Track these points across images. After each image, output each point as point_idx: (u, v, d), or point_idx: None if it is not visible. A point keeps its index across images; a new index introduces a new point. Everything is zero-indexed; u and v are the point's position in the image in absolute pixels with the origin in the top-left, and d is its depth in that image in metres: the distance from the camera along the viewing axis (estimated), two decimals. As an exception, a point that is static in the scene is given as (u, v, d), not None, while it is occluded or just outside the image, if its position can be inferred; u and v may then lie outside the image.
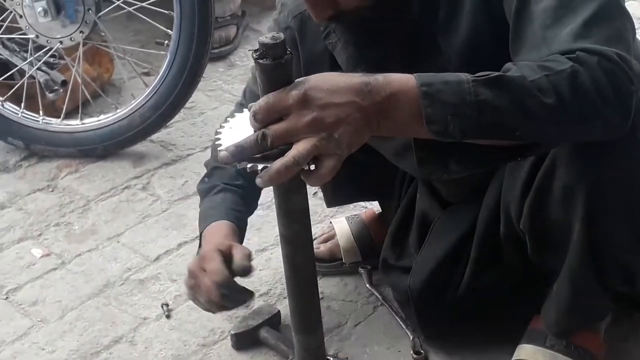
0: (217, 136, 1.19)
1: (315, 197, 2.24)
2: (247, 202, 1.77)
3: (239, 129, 1.19)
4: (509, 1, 1.31)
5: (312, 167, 1.13)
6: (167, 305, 1.95)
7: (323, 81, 1.14)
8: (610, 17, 1.23)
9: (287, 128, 1.12)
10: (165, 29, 2.38)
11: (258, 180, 1.13)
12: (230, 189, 1.74)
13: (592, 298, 1.48)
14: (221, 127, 1.21)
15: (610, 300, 1.49)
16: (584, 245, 1.39)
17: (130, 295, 1.99)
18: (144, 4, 2.37)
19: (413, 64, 1.35)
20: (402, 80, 1.16)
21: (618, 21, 1.24)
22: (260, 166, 1.13)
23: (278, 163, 1.11)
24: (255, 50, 1.13)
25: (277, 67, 1.12)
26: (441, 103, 1.14)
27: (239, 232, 1.71)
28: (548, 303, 1.54)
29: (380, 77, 1.15)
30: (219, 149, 1.16)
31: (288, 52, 1.13)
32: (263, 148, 1.13)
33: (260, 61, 1.12)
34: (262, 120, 1.13)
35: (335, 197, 1.96)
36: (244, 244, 1.71)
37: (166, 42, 2.36)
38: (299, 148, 1.11)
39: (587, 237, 1.37)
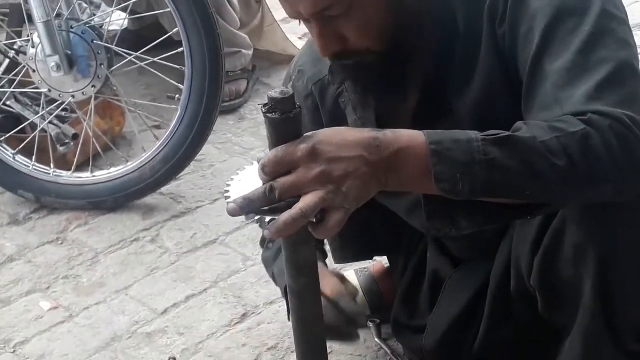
0: (226, 189, 1.20)
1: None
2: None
3: (248, 182, 1.19)
4: (523, 60, 1.31)
5: (319, 219, 1.13)
6: (174, 359, 1.93)
7: (332, 135, 1.15)
8: (624, 80, 1.23)
9: (295, 181, 1.12)
10: (176, 84, 2.41)
11: (266, 233, 1.13)
12: None
13: (604, 356, 1.46)
14: (231, 179, 1.22)
15: (624, 358, 1.47)
16: (596, 304, 1.37)
17: (137, 349, 1.98)
18: (155, 59, 2.40)
19: (423, 120, 1.36)
20: (411, 136, 1.17)
21: (632, 84, 1.24)
22: (268, 218, 1.14)
23: (285, 215, 1.11)
24: (265, 105, 1.14)
25: (286, 121, 1.13)
26: (450, 161, 1.14)
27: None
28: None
29: (389, 133, 1.16)
30: (227, 201, 1.17)
31: (297, 106, 1.14)
32: (271, 201, 1.13)
33: (269, 115, 1.13)
34: (270, 173, 1.13)
35: (344, 255, 1.95)
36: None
37: (177, 96, 2.39)
38: (307, 201, 1.11)
39: (598, 296, 1.36)
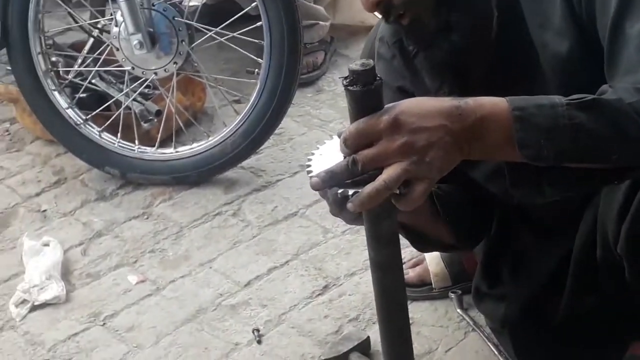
0: (308, 163, 1.21)
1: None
2: None
3: (329, 156, 1.20)
4: (602, 25, 1.28)
5: (403, 191, 1.13)
6: (258, 330, 1.97)
7: (413, 106, 1.14)
8: None
9: (378, 153, 1.12)
10: (255, 58, 2.42)
11: (349, 205, 1.13)
12: None
13: None
14: (312, 154, 1.23)
15: None
16: None
17: (222, 321, 2.02)
18: (235, 34, 2.42)
19: (502, 79, 1.33)
20: (494, 103, 1.15)
21: None
22: (351, 191, 1.14)
23: (369, 187, 1.11)
24: (345, 78, 1.14)
25: (367, 94, 1.13)
26: (534, 127, 1.13)
27: None
28: None
29: (470, 101, 1.15)
30: (309, 175, 1.17)
31: (378, 78, 1.13)
32: (354, 173, 1.13)
33: (350, 88, 1.13)
34: (352, 146, 1.13)
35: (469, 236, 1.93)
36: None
37: (256, 70, 2.40)
38: (390, 172, 1.11)
39: None
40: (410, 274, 2.02)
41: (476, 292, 1.82)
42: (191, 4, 2.63)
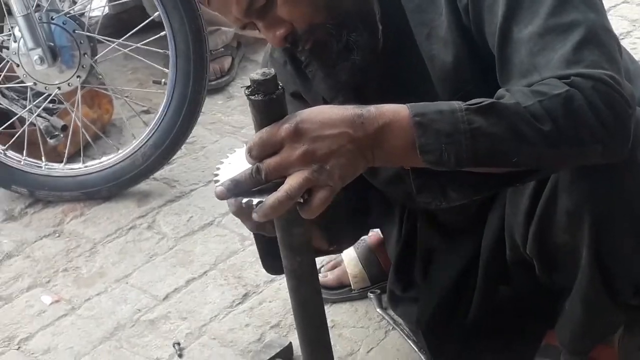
0: (215, 172, 1.20)
1: (321, 225, 2.24)
2: None
3: (237, 164, 1.19)
4: (490, 32, 1.29)
5: (306, 199, 1.14)
6: (178, 344, 1.94)
7: (315, 114, 1.14)
8: (599, 39, 1.22)
9: (280, 161, 1.12)
10: (161, 68, 2.39)
11: (254, 215, 1.13)
12: None
13: (605, 316, 1.47)
14: (220, 162, 1.22)
15: (623, 314, 1.48)
16: (593, 268, 1.37)
17: (141, 337, 1.99)
18: (138, 45, 2.38)
19: (392, 92, 1.35)
20: (395, 110, 1.16)
21: (607, 43, 1.23)
22: (255, 200, 1.14)
23: (272, 198, 1.12)
24: (247, 87, 1.14)
25: (269, 103, 1.13)
26: (435, 132, 1.14)
27: None
28: (561, 322, 1.53)
29: (372, 109, 1.15)
30: (215, 184, 1.17)
31: (279, 87, 1.14)
32: (257, 182, 1.13)
33: (252, 97, 1.13)
34: (256, 155, 1.14)
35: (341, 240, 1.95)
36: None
37: (163, 80, 2.37)
38: (291, 181, 1.11)
39: (595, 259, 1.36)
40: (328, 276, 2.03)
41: (391, 295, 1.84)
42: (92, 14, 2.58)
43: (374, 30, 1.39)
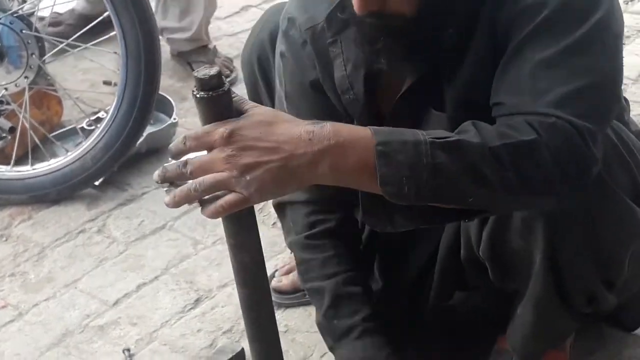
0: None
1: (275, 228, 2.22)
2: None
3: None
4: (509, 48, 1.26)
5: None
6: (128, 350, 1.90)
7: (258, 123, 1.13)
8: (601, 93, 1.20)
9: (206, 161, 1.13)
10: (112, 69, 2.35)
11: (165, 199, 1.15)
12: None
13: (556, 322, 1.48)
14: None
15: (575, 321, 1.49)
16: (547, 274, 1.38)
17: (90, 343, 1.95)
18: (88, 46, 2.34)
19: (409, 101, 1.34)
20: (353, 131, 1.14)
21: (607, 99, 1.22)
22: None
23: (181, 187, 1.13)
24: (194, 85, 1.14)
25: (212, 100, 1.13)
26: (397, 164, 1.12)
27: None
28: (513, 326, 1.53)
29: (328, 126, 1.13)
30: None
31: (224, 84, 1.13)
32: (182, 175, 1.14)
33: (197, 95, 1.14)
34: (187, 148, 1.14)
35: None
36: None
37: (113, 81, 2.34)
38: (205, 178, 1.12)
39: (549, 267, 1.37)
40: (283, 281, 2.01)
41: None
42: (40, 14, 2.53)
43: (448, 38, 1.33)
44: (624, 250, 1.40)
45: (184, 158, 1.17)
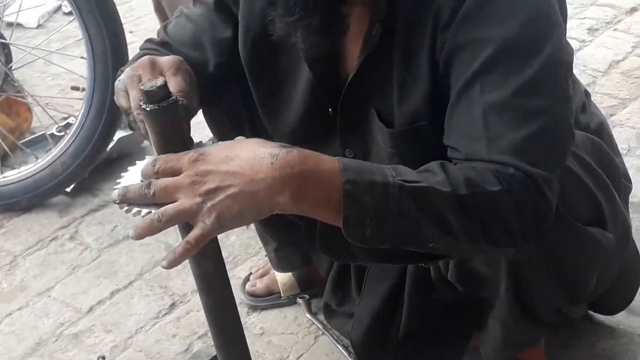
0: (123, 173, 1.18)
1: (249, 230, 2.21)
2: None
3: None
4: (455, 79, 1.22)
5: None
6: (103, 358, 1.88)
7: (224, 147, 1.11)
8: (554, 136, 1.18)
9: (170, 184, 1.10)
10: (80, 74, 2.33)
11: (130, 232, 1.10)
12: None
13: (525, 334, 1.49)
14: (133, 164, 1.19)
15: (545, 329, 1.50)
16: (512, 299, 1.39)
17: (65, 352, 1.93)
18: (54, 52, 2.32)
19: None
20: (321, 162, 1.10)
21: (560, 141, 1.20)
22: (144, 211, 1.11)
23: (145, 219, 1.09)
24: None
25: (162, 111, 1.12)
26: (363, 206, 1.09)
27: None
28: (484, 336, 1.54)
29: (295, 152, 1.09)
30: (114, 187, 1.15)
31: (172, 95, 1.12)
32: (145, 197, 1.10)
33: (147, 108, 1.12)
34: (155, 170, 1.11)
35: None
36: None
37: (82, 86, 2.31)
38: (167, 207, 1.08)
39: (514, 293, 1.38)
40: (257, 285, 2.00)
41: (326, 308, 1.82)
42: (6, 20, 2.50)
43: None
44: (589, 273, 1.41)
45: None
